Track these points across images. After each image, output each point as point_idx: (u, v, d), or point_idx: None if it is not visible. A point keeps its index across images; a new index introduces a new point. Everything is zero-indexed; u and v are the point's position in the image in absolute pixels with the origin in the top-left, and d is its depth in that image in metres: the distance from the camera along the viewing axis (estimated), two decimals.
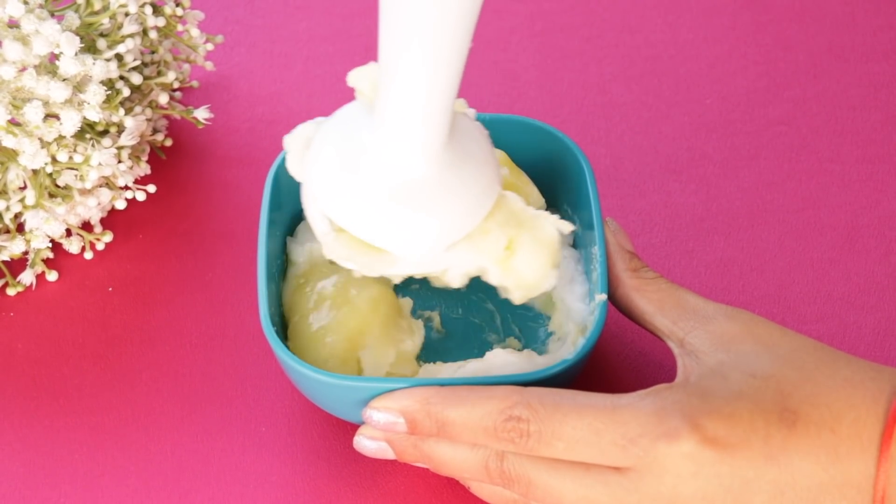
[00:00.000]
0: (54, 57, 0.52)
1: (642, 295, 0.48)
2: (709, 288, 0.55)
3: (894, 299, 0.55)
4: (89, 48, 0.54)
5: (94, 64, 0.52)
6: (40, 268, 0.56)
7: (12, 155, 0.52)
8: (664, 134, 0.60)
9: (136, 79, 0.55)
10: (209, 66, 0.61)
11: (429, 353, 0.52)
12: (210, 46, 0.60)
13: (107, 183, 0.56)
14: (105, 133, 0.55)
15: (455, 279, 0.47)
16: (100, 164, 0.53)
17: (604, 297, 0.48)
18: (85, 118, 0.52)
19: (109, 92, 0.54)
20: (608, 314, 0.49)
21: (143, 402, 0.52)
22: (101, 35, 0.54)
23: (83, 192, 0.55)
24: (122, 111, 0.54)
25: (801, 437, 0.43)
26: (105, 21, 0.54)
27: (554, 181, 0.53)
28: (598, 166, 0.59)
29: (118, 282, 0.56)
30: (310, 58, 0.64)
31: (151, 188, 0.57)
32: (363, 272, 0.47)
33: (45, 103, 0.52)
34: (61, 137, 0.53)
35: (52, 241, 0.56)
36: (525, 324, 0.53)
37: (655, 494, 0.43)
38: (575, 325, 0.49)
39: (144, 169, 0.58)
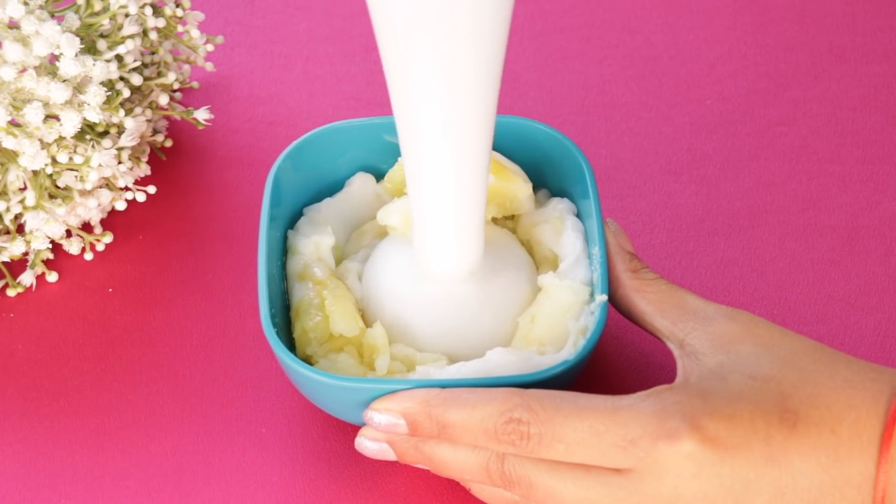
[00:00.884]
0: (54, 58, 0.52)
1: (642, 296, 0.48)
2: (709, 289, 0.55)
3: (895, 301, 0.55)
4: (89, 49, 0.54)
5: (94, 65, 0.52)
6: (40, 269, 0.56)
7: (12, 156, 0.52)
8: (664, 135, 0.60)
9: (137, 80, 0.55)
10: (209, 66, 0.61)
11: None
12: (210, 47, 0.60)
13: (107, 184, 0.56)
14: (105, 134, 0.55)
15: None
16: (100, 165, 0.53)
17: (604, 297, 0.48)
18: (85, 119, 0.52)
19: (110, 93, 0.54)
20: (608, 315, 0.49)
21: (144, 403, 0.52)
22: (102, 36, 0.54)
23: (83, 193, 0.55)
24: (122, 112, 0.54)
25: (801, 437, 0.43)
26: (105, 22, 0.54)
27: (554, 182, 0.53)
28: (598, 167, 0.59)
29: (118, 283, 0.56)
30: (310, 58, 0.64)
31: (151, 189, 0.57)
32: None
33: (46, 104, 0.52)
34: (61, 138, 0.53)
35: (52, 242, 0.56)
36: None
37: (656, 495, 0.43)
38: (575, 326, 0.50)
39: (144, 170, 0.58)
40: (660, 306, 0.48)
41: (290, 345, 0.50)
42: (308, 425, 0.51)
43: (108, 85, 0.54)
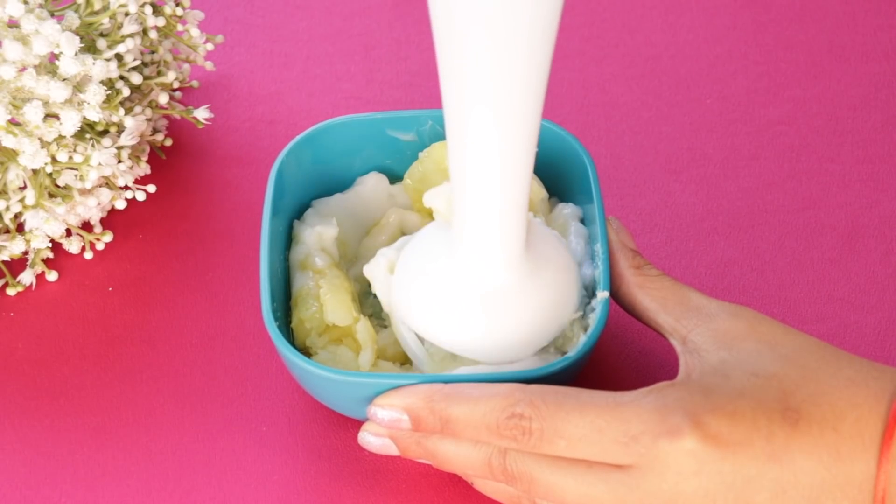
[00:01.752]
0: (54, 57, 0.52)
1: (646, 292, 0.48)
2: (709, 288, 0.55)
3: (894, 299, 0.55)
4: (89, 48, 0.54)
5: (94, 64, 0.52)
6: (40, 268, 0.56)
7: (12, 155, 0.52)
8: (664, 134, 0.60)
9: (136, 79, 0.56)
10: (209, 65, 0.61)
11: None
12: (210, 46, 0.60)
13: (107, 183, 0.56)
14: (105, 133, 0.55)
15: None
16: (100, 163, 0.53)
17: (606, 294, 0.48)
18: (85, 118, 0.53)
19: (109, 92, 0.54)
20: (610, 312, 0.49)
21: (144, 402, 0.52)
22: (101, 35, 0.54)
23: (83, 191, 0.55)
24: (122, 111, 0.54)
25: (803, 435, 0.43)
26: (105, 21, 0.54)
27: (557, 178, 0.54)
28: (599, 166, 0.59)
29: (118, 282, 0.56)
30: (309, 57, 0.64)
31: (151, 188, 0.57)
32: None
33: (45, 103, 0.52)
34: (61, 137, 0.53)
35: (51, 241, 0.56)
36: None
37: (657, 492, 0.43)
38: (577, 323, 0.50)
39: (144, 169, 0.58)
40: (663, 303, 0.48)
41: (292, 337, 0.50)
42: (309, 423, 0.52)
43: (108, 84, 0.55)
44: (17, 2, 0.51)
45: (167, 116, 0.61)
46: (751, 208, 0.58)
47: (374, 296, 0.51)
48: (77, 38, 0.51)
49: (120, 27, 0.54)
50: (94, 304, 0.55)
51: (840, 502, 0.43)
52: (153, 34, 0.57)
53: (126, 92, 0.55)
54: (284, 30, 0.65)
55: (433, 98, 0.61)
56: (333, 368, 0.47)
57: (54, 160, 0.53)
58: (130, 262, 0.57)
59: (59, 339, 0.54)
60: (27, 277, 0.55)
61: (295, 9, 0.65)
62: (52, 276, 0.56)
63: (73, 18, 0.53)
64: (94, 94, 0.52)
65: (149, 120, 0.58)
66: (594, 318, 0.48)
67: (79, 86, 0.52)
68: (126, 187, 0.57)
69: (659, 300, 0.48)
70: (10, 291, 0.55)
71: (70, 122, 0.52)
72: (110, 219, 0.58)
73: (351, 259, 0.53)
